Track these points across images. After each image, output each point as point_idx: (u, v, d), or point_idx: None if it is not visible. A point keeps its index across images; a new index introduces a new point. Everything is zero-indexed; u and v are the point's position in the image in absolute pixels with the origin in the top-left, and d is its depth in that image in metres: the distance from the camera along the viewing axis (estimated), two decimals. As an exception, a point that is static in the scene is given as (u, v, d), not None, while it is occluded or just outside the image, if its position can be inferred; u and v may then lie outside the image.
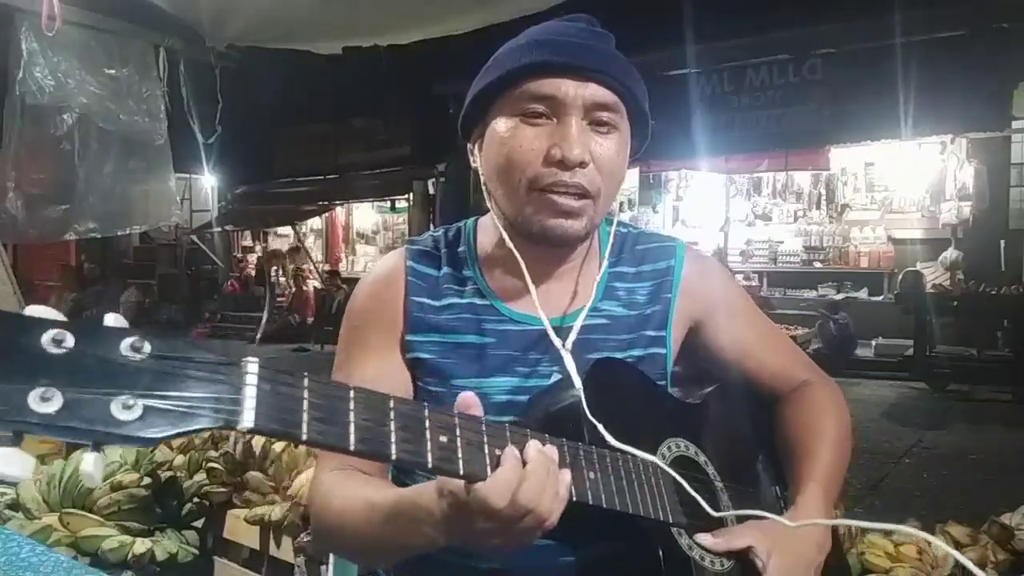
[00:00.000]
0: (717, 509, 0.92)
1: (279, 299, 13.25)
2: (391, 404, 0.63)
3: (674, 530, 0.84)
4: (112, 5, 3.18)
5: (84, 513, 2.15)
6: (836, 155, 9.88)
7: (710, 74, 8.36)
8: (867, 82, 7.43)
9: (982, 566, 1.79)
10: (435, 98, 9.26)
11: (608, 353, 0.95)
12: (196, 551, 2.30)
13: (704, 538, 0.85)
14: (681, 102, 7.75)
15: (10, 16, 2.97)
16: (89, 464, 0.49)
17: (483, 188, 0.96)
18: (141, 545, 2.11)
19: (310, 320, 11.91)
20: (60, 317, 0.49)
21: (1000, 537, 1.84)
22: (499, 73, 0.91)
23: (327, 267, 14.06)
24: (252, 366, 0.55)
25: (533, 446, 0.69)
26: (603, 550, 0.85)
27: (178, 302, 13.58)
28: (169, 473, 2.42)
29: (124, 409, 0.48)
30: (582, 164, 0.87)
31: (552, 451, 0.71)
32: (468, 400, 0.70)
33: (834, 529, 0.99)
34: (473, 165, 0.98)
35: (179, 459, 2.49)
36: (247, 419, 0.53)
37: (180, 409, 0.51)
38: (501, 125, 0.91)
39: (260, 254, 15.16)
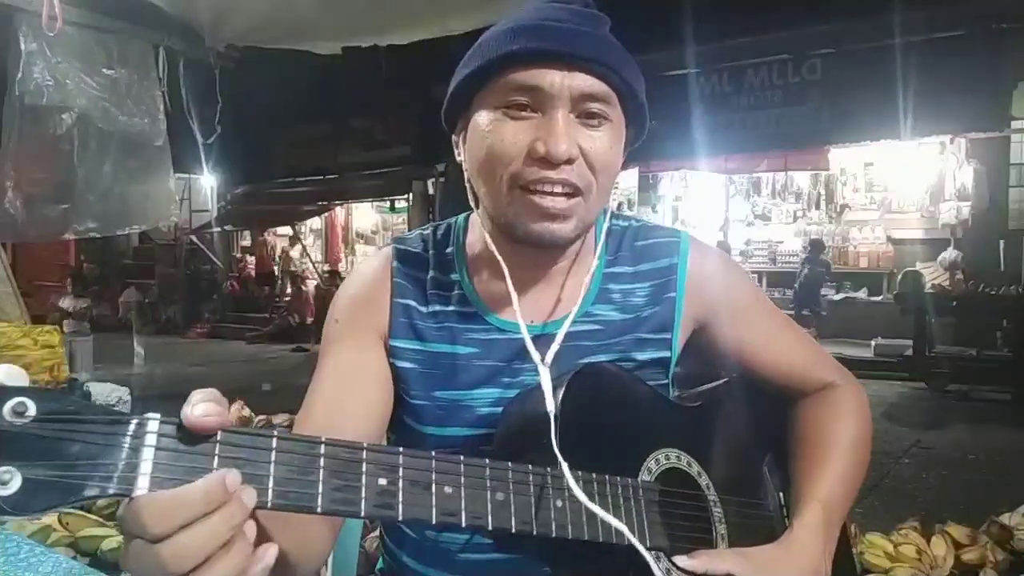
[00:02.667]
0: (708, 527, 0.88)
1: (278, 299, 13.29)
2: (320, 449, 0.56)
3: (652, 554, 0.79)
4: (112, 5, 3.17)
5: (83, 513, 2.15)
6: (835, 155, 9.90)
7: (710, 74, 8.37)
8: (867, 82, 7.44)
9: (981, 566, 1.79)
10: (435, 98, 9.23)
11: (593, 358, 0.89)
12: (196, 551, 2.29)
13: (683, 560, 0.78)
14: (681, 102, 7.76)
15: (10, 16, 2.97)
16: None
17: (467, 185, 0.90)
18: (140, 545, 2.11)
19: (309, 320, 11.93)
20: None
21: (1000, 537, 1.84)
22: (480, 62, 0.84)
23: (327, 267, 14.09)
24: (152, 423, 0.49)
25: (239, 493, 0.51)
26: (576, 571, 0.80)
27: (178, 302, 13.60)
28: (169, 473, 2.42)
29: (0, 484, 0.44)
30: (569, 160, 0.80)
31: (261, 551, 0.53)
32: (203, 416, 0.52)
33: (842, 537, 0.93)
34: (458, 159, 0.91)
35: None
36: (142, 485, 0.48)
37: (66, 480, 0.46)
38: (483, 118, 0.84)
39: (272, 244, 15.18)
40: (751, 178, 11.34)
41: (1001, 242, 9.00)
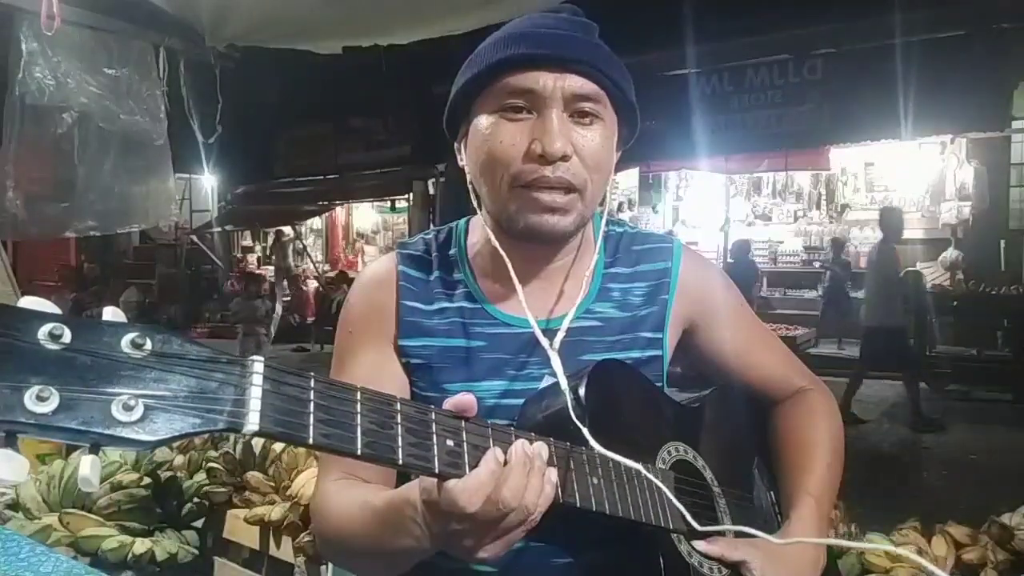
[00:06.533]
0: (714, 515, 0.93)
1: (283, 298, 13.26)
2: (397, 406, 0.61)
3: (673, 536, 0.84)
4: (112, 5, 3.17)
5: (84, 513, 2.15)
6: (836, 155, 9.89)
7: (710, 74, 8.35)
8: (867, 82, 7.43)
9: (982, 566, 1.79)
10: (435, 98, 9.26)
11: (608, 355, 0.93)
12: (196, 551, 2.30)
13: (701, 545, 0.85)
14: (681, 102, 7.75)
15: (10, 16, 2.97)
16: (87, 468, 0.46)
17: (469, 187, 0.95)
18: (141, 545, 2.11)
19: (310, 320, 11.92)
20: (56, 310, 0.47)
21: (1000, 537, 1.84)
22: (477, 69, 0.90)
23: (327, 267, 14.08)
24: (258, 365, 0.53)
25: (518, 445, 0.67)
26: (602, 554, 0.84)
27: (178, 302, 13.59)
28: (169, 473, 2.42)
29: (125, 410, 0.46)
30: (564, 157, 0.85)
31: (540, 448, 0.69)
32: (464, 402, 0.68)
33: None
34: (460, 164, 0.97)
35: (179, 459, 2.49)
36: (252, 421, 0.51)
37: (183, 410, 0.48)
38: (482, 122, 0.89)
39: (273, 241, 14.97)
40: (751, 178, 11.34)
41: (1001, 242, 9.00)
